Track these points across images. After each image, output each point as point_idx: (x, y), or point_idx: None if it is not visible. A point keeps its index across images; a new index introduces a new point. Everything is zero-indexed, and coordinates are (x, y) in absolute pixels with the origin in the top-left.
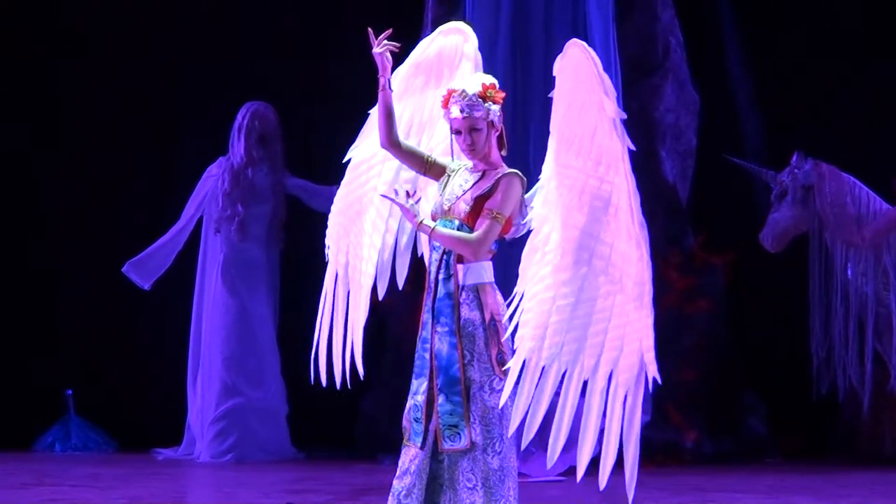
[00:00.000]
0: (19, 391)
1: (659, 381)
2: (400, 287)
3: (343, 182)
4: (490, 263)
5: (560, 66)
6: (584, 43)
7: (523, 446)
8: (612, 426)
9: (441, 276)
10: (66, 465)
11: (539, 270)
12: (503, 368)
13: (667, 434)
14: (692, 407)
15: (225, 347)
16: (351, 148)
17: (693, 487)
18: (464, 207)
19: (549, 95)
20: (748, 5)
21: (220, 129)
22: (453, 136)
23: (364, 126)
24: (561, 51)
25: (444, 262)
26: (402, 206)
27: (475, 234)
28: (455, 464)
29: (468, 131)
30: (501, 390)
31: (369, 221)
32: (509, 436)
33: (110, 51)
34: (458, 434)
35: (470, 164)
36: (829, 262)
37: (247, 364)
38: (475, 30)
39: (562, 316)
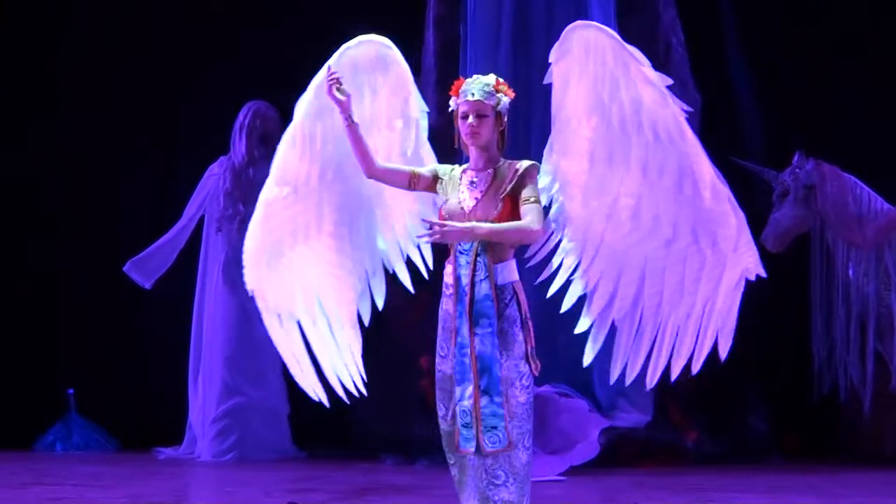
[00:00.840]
0: (20, 390)
1: (763, 274)
2: (380, 308)
3: (264, 216)
4: (515, 261)
5: (574, 48)
6: (595, 22)
7: (629, 380)
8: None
9: (478, 279)
10: (68, 465)
11: (620, 239)
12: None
13: (667, 434)
14: (693, 406)
15: (226, 347)
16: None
17: (693, 487)
18: (494, 210)
19: (548, 83)
20: (749, 5)
21: (222, 128)
22: (459, 121)
23: (281, 148)
24: None
25: (478, 263)
26: (455, 230)
27: (528, 219)
28: (480, 461)
29: (476, 115)
30: (529, 386)
31: (325, 254)
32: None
33: (111, 49)
34: (498, 435)
35: (463, 166)
36: (830, 261)
37: (248, 363)
38: (477, 29)
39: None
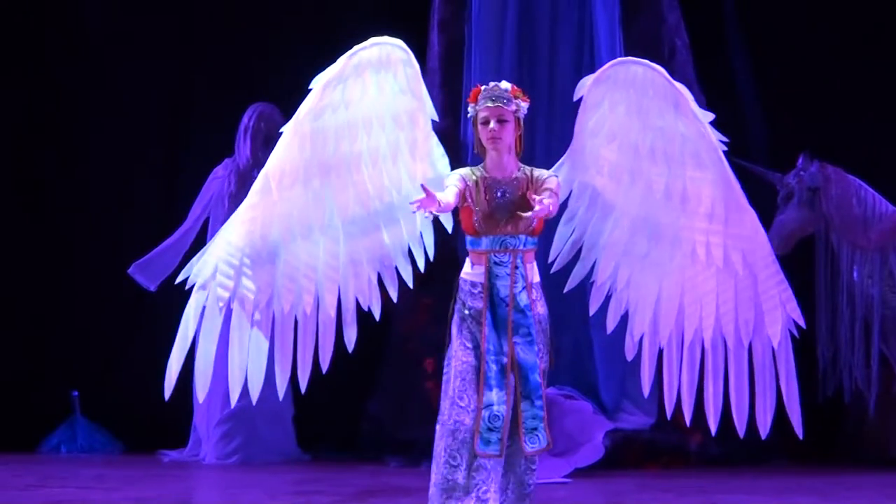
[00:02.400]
0: (25, 392)
1: (803, 325)
2: (394, 300)
3: (253, 205)
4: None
5: (620, 78)
6: (646, 60)
7: (714, 425)
8: (767, 381)
9: (517, 290)
10: (72, 467)
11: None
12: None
13: (672, 436)
14: (698, 409)
15: None
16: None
17: (698, 489)
18: (529, 225)
19: (577, 99)
20: (754, 7)
21: (227, 130)
22: (479, 127)
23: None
24: (569, 54)
25: (517, 275)
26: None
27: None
28: (519, 455)
29: (497, 120)
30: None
31: (325, 247)
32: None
33: (115, 51)
34: (538, 436)
35: (479, 170)
36: (835, 264)
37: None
38: (481, 31)
39: (697, 297)
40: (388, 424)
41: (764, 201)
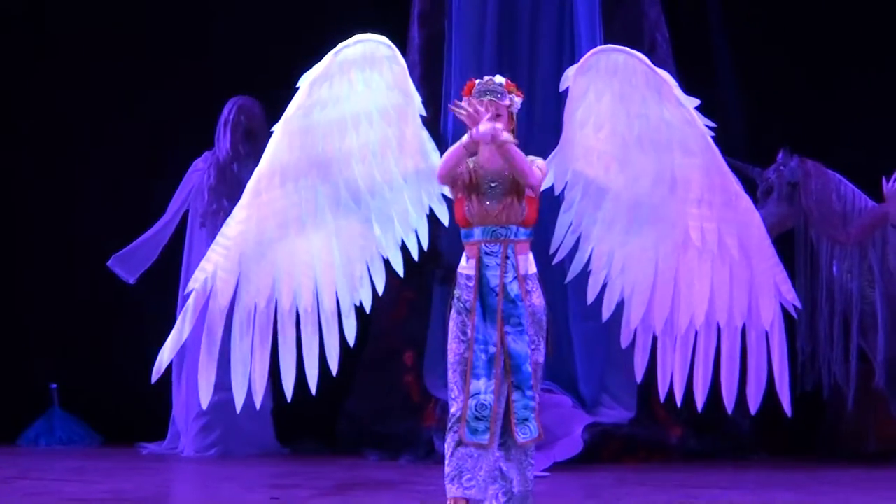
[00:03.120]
0: (3, 385)
1: (799, 305)
2: (380, 293)
3: (249, 205)
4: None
5: (602, 67)
6: (625, 48)
7: (700, 404)
8: (758, 362)
9: (507, 280)
10: (51, 459)
11: (652, 253)
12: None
13: (651, 430)
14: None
15: None
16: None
17: (678, 484)
18: (521, 214)
19: (563, 90)
20: (735, 1)
21: (207, 123)
22: None
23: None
24: (550, 46)
25: (508, 265)
26: (488, 128)
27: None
28: (522, 448)
29: (492, 116)
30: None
31: (323, 241)
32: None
33: (92, 46)
34: (528, 427)
35: (472, 162)
36: (814, 259)
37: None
38: (461, 25)
39: (688, 285)
40: (367, 418)
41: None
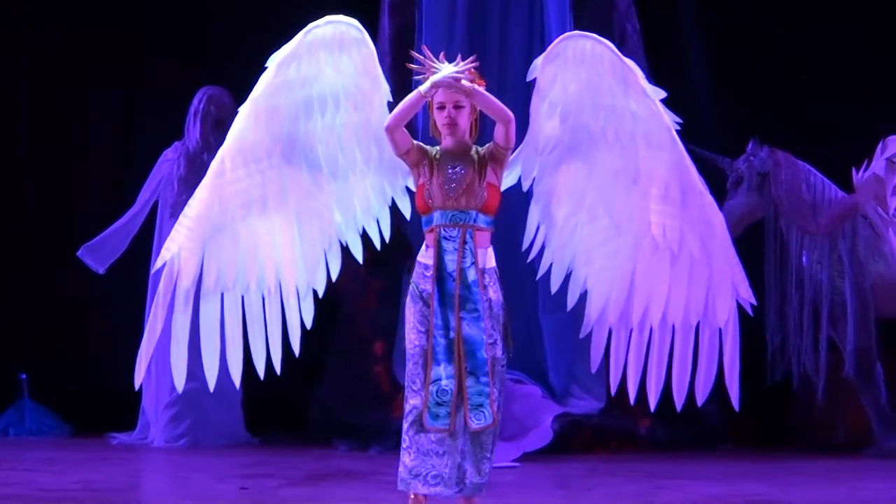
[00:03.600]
0: None
1: (755, 303)
2: (333, 279)
3: (215, 186)
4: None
5: (569, 55)
6: (593, 34)
7: (653, 402)
8: (710, 358)
9: (464, 265)
10: (20, 450)
11: (607, 247)
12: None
13: (620, 420)
14: (646, 393)
15: None
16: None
17: (646, 474)
18: (481, 199)
19: (530, 79)
20: None
21: (177, 113)
22: (435, 111)
23: (237, 119)
24: (520, 36)
25: (465, 250)
26: (450, 76)
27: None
28: (478, 438)
29: (453, 105)
30: (505, 367)
31: (283, 223)
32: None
33: (62, 37)
34: (483, 413)
35: (437, 150)
36: (784, 249)
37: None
38: (432, 15)
39: (644, 280)
40: (336, 408)
41: (713, 186)
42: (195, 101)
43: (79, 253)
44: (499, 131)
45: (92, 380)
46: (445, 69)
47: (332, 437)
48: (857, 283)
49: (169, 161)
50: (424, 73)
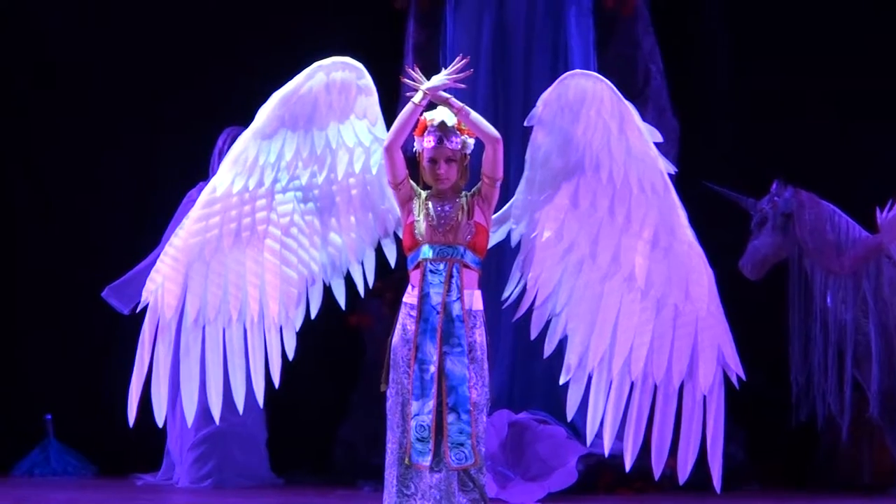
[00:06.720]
0: None
1: (743, 377)
2: (312, 317)
3: (200, 215)
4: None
5: (571, 94)
6: (595, 73)
7: (629, 461)
8: (693, 427)
9: (450, 299)
10: (45, 490)
11: (594, 291)
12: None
13: (644, 460)
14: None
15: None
16: (217, 179)
17: None
18: (469, 236)
19: (529, 125)
20: (729, 33)
21: (201, 153)
22: (426, 164)
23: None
24: (544, 77)
25: (452, 284)
26: (443, 96)
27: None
28: (452, 477)
29: (444, 160)
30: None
31: (269, 256)
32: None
33: (86, 74)
34: (464, 452)
35: (427, 194)
36: (808, 289)
37: (226, 389)
38: (456, 56)
39: (628, 331)
40: (360, 448)
41: (737, 227)
42: (219, 142)
43: (103, 294)
44: (486, 156)
45: (117, 420)
46: (435, 77)
47: (356, 478)
48: (881, 324)
49: (194, 201)
50: (415, 90)
